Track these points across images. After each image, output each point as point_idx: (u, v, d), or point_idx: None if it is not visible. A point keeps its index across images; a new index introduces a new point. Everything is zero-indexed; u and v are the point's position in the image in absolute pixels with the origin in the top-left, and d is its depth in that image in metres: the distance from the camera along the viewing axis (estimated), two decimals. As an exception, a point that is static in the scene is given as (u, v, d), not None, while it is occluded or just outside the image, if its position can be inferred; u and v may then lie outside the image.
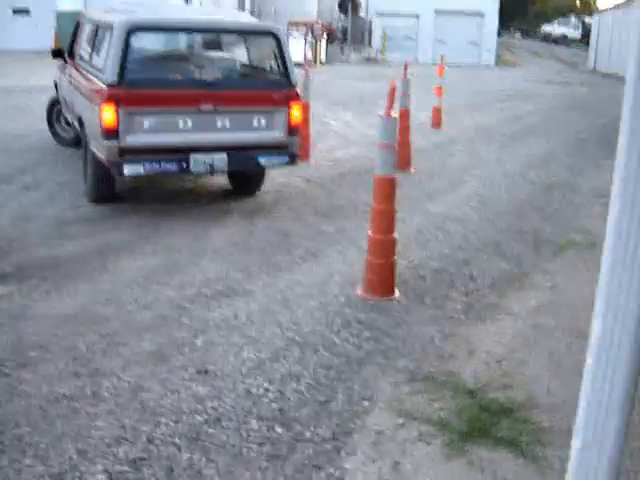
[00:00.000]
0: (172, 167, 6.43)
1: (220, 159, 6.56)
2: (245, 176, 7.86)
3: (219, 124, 6.54)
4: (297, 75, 7.04)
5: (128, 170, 6.29)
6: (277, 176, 8.70)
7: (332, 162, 9.91)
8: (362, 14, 34.72)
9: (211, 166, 6.55)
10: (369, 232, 4.93)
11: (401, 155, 9.21)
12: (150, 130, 6.30)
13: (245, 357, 4.02)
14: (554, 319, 4.67)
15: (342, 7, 34.55)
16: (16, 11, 27.35)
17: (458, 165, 9.89)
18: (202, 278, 5.29)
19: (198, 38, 7.54)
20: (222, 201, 7.44)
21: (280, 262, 5.72)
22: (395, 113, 4.75)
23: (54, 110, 9.51)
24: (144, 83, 6.45)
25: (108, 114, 6.11)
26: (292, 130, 6.82)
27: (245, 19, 7.81)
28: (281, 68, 6.83)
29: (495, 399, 3.57)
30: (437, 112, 13.22)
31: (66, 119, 9.00)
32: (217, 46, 7.85)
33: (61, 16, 19.45)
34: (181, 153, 6.44)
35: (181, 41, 7.66)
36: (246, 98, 6.72)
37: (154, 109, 6.31)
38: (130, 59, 6.27)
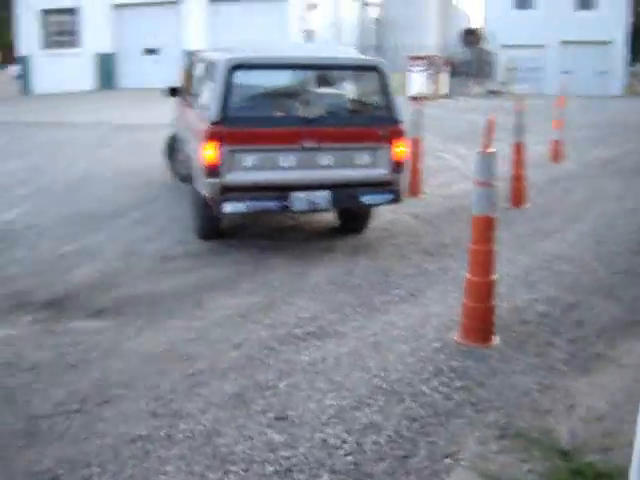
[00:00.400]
0: (273, 205, 6.41)
1: (322, 197, 6.47)
2: (351, 213, 7.79)
3: (322, 161, 6.46)
4: (403, 109, 6.91)
5: (228, 208, 6.32)
6: (385, 212, 8.55)
7: (443, 197, 9.67)
8: (485, 46, 34.22)
9: (313, 204, 6.48)
10: (466, 274, 4.69)
11: (514, 190, 8.92)
12: (252, 168, 6.32)
13: (327, 404, 3.88)
14: (669, 373, 4.25)
15: (465, 40, 34.19)
16: (147, 51, 28.83)
17: (576, 201, 9.41)
18: (295, 318, 5.21)
19: (300, 75, 7.45)
20: (326, 238, 7.37)
21: (377, 302, 5.57)
22: (493, 149, 4.50)
23: (172, 146, 9.80)
24: (246, 121, 6.42)
25: (210, 151, 6.19)
26: (396, 167, 6.64)
27: (349, 54, 7.74)
28: (385, 103, 6.67)
29: (592, 463, 3.25)
30: (557, 145, 12.70)
31: (181, 156, 9.25)
32: (320, 82, 7.73)
33: (187, 55, 20.28)
34: (283, 191, 6.39)
35: (284, 78, 7.53)
36: (349, 135, 6.61)
37: (256, 147, 6.32)
38: (233, 97, 6.33)
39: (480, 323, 4.65)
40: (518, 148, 9.06)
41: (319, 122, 6.53)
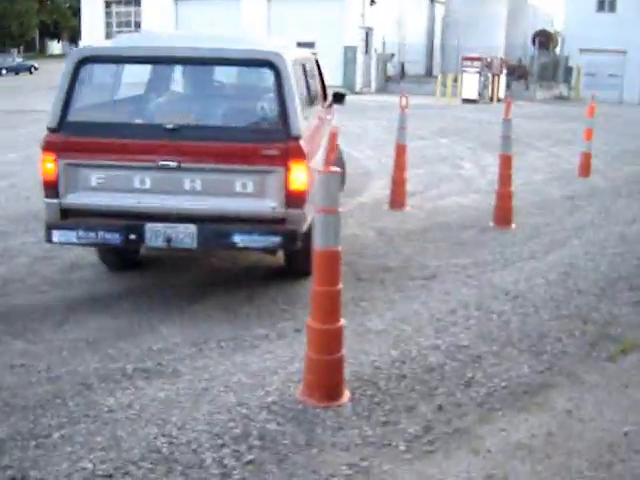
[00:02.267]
0: (113, 238, 5.00)
1: (185, 232, 4.95)
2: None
3: (185, 185, 4.96)
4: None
5: (56, 237, 5.05)
6: (349, 226, 7.71)
7: (427, 212, 8.73)
8: (558, 49, 32.48)
9: (171, 240, 4.97)
10: (308, 319, 3.81)
11: (498, 209, 7.91)
12: (99, 188, 5.01)
13: (80, 467, 3.25)
14: (539, 464, 3.27)
15: (537, 42, 32.55)
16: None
17: (576, 222, 8.27)
18: (144, 349, 4.59)
19: (168, 71, 6.17)
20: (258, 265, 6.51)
21: (251, 336, 4.77)
22: (334, 168, 3.58)
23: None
24: (92, 128, 5.07)
25: (47, 165, 4.95)
26: (292, 199, 4.91)
27: (242, 45, 5.60)
28: (279, 111, 4.98)
29: None
30: (586, 158, 11.50)
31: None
32: (196, 81, 6.41)
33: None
34: (135, 220, 5.01)
35: (147, 75, 6.13)
36: (223, 152, 4.93)
37: (103, 162, 4.96)
38: (78, 98, 5.04)
39: (322, 379, 3.77)
40: (505, 162, 8.00)
41: (182, 134, 4.94)
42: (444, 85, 26.97)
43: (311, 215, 4.97)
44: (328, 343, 3.73)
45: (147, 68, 5.90)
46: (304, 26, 27.99)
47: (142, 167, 4.95)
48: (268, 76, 5.17)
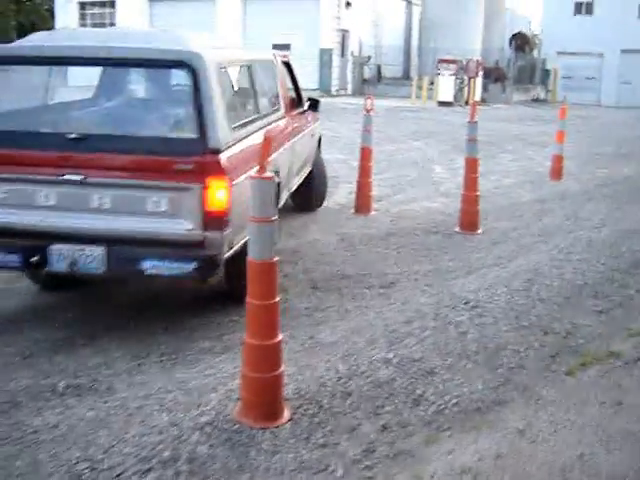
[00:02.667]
0: (14, 260, 4.50)
1: (93, 256, 4.42)
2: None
3: (94, 203, 4.44)
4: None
5: None
6: (311, 231, 7.51)
7: (393, 217, 8.55)
8: (535, 52, 32.51)
9: (76, 265, 4.43)
10: (245, 336, 3.58)
11: (464, 213, 7.73)
12: (1, 203, 4.53)
13: None
14: (483, 491, 3.06)
15: (514, 45, 32.55)
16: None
17: (542, 227, 8.11)
18: (80, 365, 4.43)
19: (74, 74, 5.61)
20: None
21: (193, 350, 4.57)
22: (270, 174, 3.35)
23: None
24: None
25: None
26: (210, 221, 4.38)
27: (154, 44, 4.77)
28: (196, 119, 4.41)
29: None
30: (557, 161, 11.38)
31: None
32: (107, 84, 5.86)
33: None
34: (38, 240, 4.48)
35: (55, 79, 5.44)
36: (133, 165, 4.41)
37: (1, 174, 4.50)
38: None
39: (259, 398, 3.54)
40: (471, 165, 7.82)
41: (87, 144, 4.42)
42: (420, 88, 26.85)
43: (239, 237, 4.60)
44: (264, 360, 3.50)
45: (56, 70, 5.30)
46: (280, 28, 27.80)
47: (45, 181, 4.45)
48: (185, 79, 4.61)
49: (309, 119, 7.80)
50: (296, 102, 7.44)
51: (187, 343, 4.66)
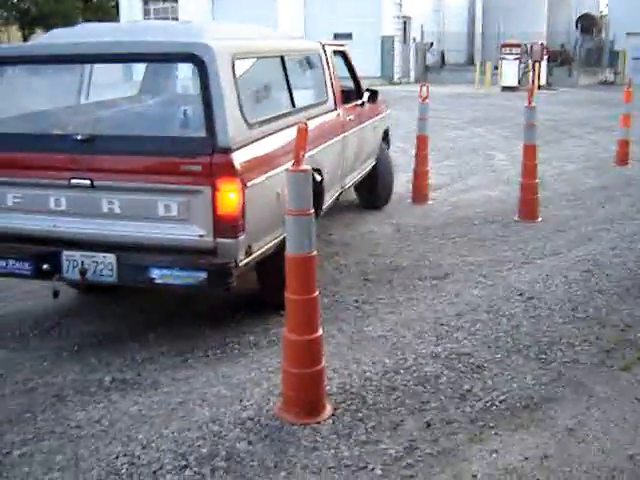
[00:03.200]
0: (25, 268, 4.31)
1: (104, 263, 4.21)
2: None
3: (104, 207, 4.23)
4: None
5: None
6: (365, 221, 7.44)
7: (451, 206, 8.39)
8: (603, 34, 31.48)
9: (87, 273, 4.22)
10: (284, 330, 3.53)
11: (522, 202, 7.52)
12: (13, 209, 4.39)
13: None
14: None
15: (580, 27, 31.58)
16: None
17: (605, 215, 7.82)
18: (127, 359, 4.41)
19: (81, 72, 5.09)
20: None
21: (240, 345, 4.56)
22: (307, 167, 3.28)
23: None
24: None
25: None
26: (221, 226, 4.08)
27: (163, 37, 4.56)
28: (205, 117, 4.09)
29: None
30: (622, 146, 10.97)
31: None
32: (109, 83, 5.53)
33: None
34: (50, 246, 4.31)
35: (62, 78, 5.18)
36: (141, 167, 4.16)
37: (10, 179, 4.35)
38: None
39: (300, 394, 3.49)
40: (529, 152, 7.59)
41: (94, 146, 4.19)
42: (483, 73, 26.35)
43: (263, 242, 4.45)
44: (304, 355, 3.45)
45: (62, 69, 4.97)
46: (341, 19, 27.67)
47: (54, 185, 4.27)
48: (193, 73, 4.27)
49: (370, 111, 7.38)
50: (352, 94, 7.10)
51: (233, 337, 4.65)
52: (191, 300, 5.33)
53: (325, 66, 6.21)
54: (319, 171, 5.28)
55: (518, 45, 24.53)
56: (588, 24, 32.22)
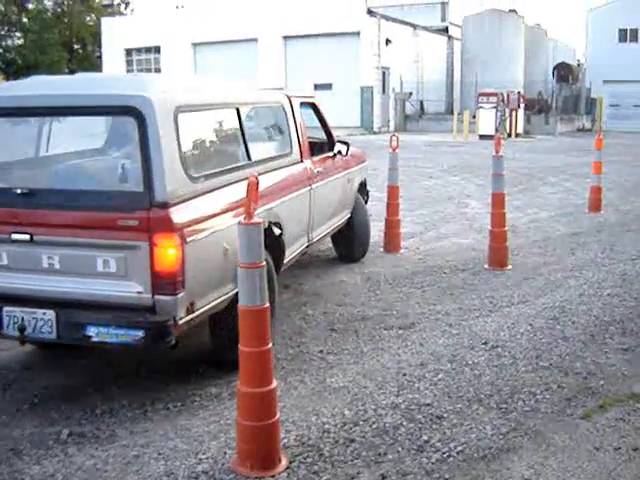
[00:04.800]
0: None
1: (43, 320, 4.09)
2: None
3: (44, 262, 4.13)
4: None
5: None
6: (337, 272, 7.47)
7: (423, 255, 8.42)
8: (579, 82, 32.14)
9: (25, 329, 4.10)
10: (238, 384, 3.52)
11: (493, 250, 7.58)
12: None
13: None
14: None
15: (557, 76, 32.23)
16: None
17: (575, 262, 7.90)
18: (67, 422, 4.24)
19: (29, 124, 4.88)
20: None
21: (201, 397, 4.49)
22: (258, 219, 3.33)
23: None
24: None
25: None
26: (160, 283, 3.95)
27: (105, 88, 4.42)
28: (143, 171, 3.99)
29: None
30: (596, 192, 11.14)
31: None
32: (55, 134, 5.01)
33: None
34: None
35: (8, 130, 4.86)
36: (79, 222, 4.06)
37: None
38: None
39: (254, 447, 3.47)
40: (497, 201, 7.69)
41: (34, 200, 4.12)
42: (461, 122, 26.74)
43: (206, 300, 4.28)
44: (258, 408, 3.44)
45: (6, 122, 4.75)
46: (321, 67, 28.10)
47: None
48: (132, 127, 4.09)
49: (343, 163, 7.26)
50: (322, 146, 7.00)
51: (196, 389, 4.62)
52: (159, 353, 5.29)
53: (290, 118, 6.12)
54: (278, 224, 5.20)
55: (495, 94, 24.96)
56: (565, 72, 32.90)
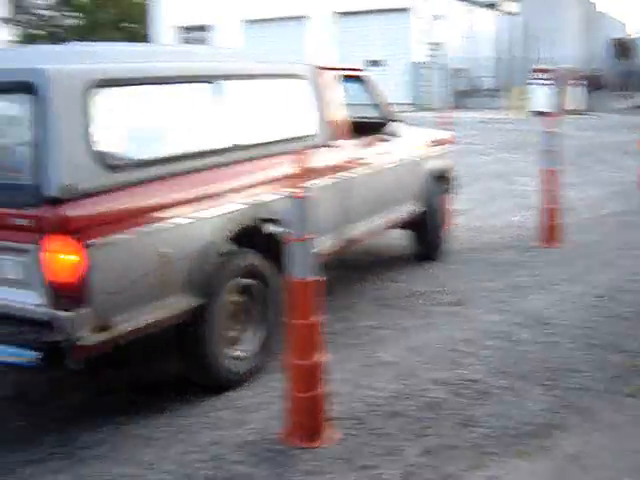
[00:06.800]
0: None
1: None
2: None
3: None
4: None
5: None
6: (394, 248, 7.44)
7: (472, 232, 8.36)
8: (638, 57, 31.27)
9: None
10: (286, 355, 3.58)
11: (543, 227, 7.50)
12: None
13: None
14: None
15: (615, 51, 31.41)
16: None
17: (626, 241, 7.75)
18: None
19: None
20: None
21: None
22: (307, 192, 3.36)
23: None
24: None
25: None
26: (57, 295, 3.23)
27: (11, 62, 3.71)
28: (34, 159, 3.26)
29: None
30: (647, 170, 10.86)
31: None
32: None
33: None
34: None
35: None
36: None
37: None
38: None
39: (302, 418, 3.54)
40: (549, 177, 7.58)
41: None
42: (515, 98, 26.30)
43: (133, 317, 3.48)
44: (305, 380, 3.49)
45: None
46: (372, 44, 27.90)
47: None
48: (26, 106, 3.30)
49: (407, 147, 6.39)
50: (369, 126, 5.95)
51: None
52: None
53: (315, 93, 5.20)
54: (278, 222, 4.21)
55: (550, 70, 24.43)
56: (622, 47, 32.03)
